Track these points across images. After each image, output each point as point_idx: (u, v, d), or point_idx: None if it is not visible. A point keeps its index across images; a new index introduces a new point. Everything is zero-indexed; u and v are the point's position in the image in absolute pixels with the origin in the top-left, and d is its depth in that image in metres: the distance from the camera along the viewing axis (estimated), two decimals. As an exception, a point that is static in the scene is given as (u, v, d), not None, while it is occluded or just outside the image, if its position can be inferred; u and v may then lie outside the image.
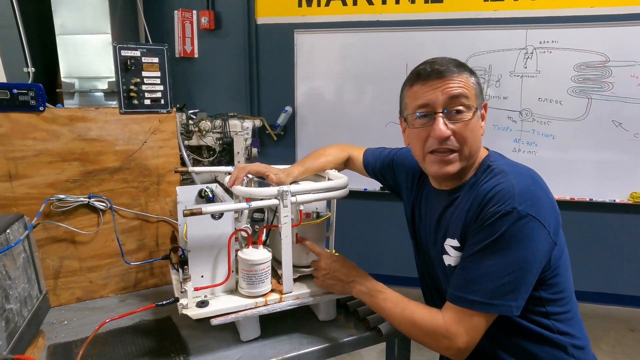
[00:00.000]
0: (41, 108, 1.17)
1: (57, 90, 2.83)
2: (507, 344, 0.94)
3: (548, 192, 0.89)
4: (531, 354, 0.92)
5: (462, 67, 0.93)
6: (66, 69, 2.75)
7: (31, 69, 2.74)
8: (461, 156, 0.92)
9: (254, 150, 2.90)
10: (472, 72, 0.95)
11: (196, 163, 2.80)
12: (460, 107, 0.90)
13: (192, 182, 2.34)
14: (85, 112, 1.24)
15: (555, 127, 2.90)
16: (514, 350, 0.94)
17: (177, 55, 3.28)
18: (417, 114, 0.93)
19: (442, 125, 0.90)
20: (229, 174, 1.17)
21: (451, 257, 0.95)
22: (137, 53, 1.27)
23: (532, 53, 2.84)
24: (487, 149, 1.01)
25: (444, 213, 1.00)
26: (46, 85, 1.19)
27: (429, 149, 0.94)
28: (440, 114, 0.90)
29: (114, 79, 1.24)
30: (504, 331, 0.92)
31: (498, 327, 0.89)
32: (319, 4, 3.08)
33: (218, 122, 2.78)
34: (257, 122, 3.06)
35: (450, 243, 0.95)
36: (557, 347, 0.92)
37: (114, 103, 1.29)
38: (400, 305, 0.95)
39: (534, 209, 0.83)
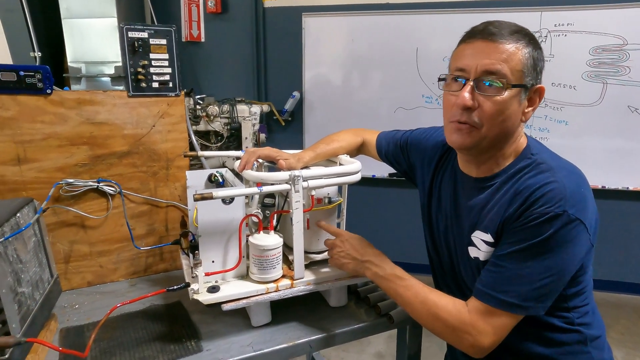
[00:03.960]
0: (48, 91, 1.16)
1: (64, 75, 2.81)
2: (526, 334, 0.91)
3: (591, 191, 0.85)
4: (551, 342, 0.91)
5: (519, 34, 0.82)
6: (72, 54, 2.73)
7: (38, 54, 2.72)
8: (478, 134, 0.85)
9: (262, 136, 2.88)
10: (533, 45, 0.83)
11: (204, 148, 2.78)
12: (494, 81, 0.81)
13: (201, 167, 2.32)
14: (93, 95, 1.22)
15: (568, 113, 2.84)
16: (532, 338, 0.92)
17: (183, 40, 3.23)
18: (453, 76, 0.86)
19: (466, 94, 0.82)
20: (238, 158, 1.15)
21: (480, 251, 0.90)
22: (145, 34, 1.24)
23: (546, 36, 2.76)
24: (526, 135, 0.93)
25: (472, 201, 0.93)
26: (53, 69, 1.18)
27: (452, 118, 0.87)
28: (471, 82, 0.83)
29: (120, 64, 1.22)
30: (523, 322, 0.88)
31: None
32: (327, -14, 3.02)
33: (225, 107, 2.75)
34: (265, 108, 3.03)
35: (482, 237, 0.90)
36: (577, 336, 0.91)
37: (121, 88, 1.27)
38: (422, 294, 0.90)
39: (582, 213, 0.79)
